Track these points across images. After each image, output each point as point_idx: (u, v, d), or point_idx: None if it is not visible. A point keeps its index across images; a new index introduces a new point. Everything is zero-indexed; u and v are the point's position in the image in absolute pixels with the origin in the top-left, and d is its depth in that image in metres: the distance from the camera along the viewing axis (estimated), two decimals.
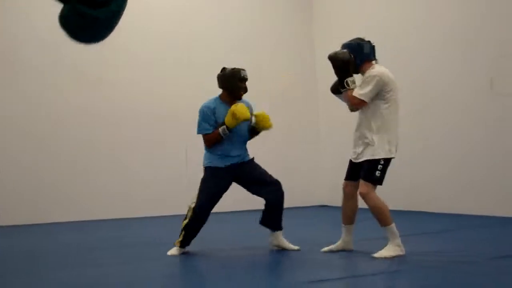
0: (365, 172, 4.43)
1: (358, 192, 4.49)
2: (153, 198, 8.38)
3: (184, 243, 4.79)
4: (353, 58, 4.45)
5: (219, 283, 3.83)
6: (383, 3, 8.55)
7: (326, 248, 4.74)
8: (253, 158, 5.00)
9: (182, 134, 8.15)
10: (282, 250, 4.83)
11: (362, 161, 4.46)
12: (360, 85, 4.43)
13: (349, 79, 4.42)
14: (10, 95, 7.80)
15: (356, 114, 4.68)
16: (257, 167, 4.95)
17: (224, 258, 4.61)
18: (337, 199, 9.18)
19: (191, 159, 8.17)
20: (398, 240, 4.35)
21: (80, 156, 8.06)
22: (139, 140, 8.41)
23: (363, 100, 4.39)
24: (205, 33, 8.95)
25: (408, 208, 7.59)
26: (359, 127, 4.53)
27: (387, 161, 4.42)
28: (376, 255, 4.32)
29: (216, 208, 4.82)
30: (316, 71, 9.66)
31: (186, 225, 4.75)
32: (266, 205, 4.85)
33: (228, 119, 4.68)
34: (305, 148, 9.52)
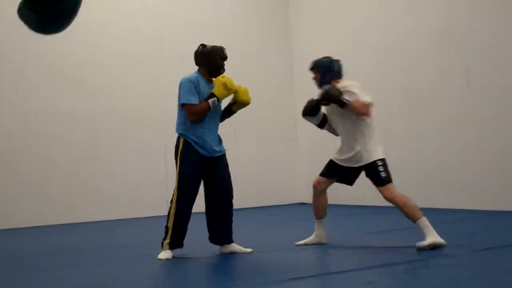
0: (373, 178, 4.56)
1: (383, 198, 4.53)
2: (142, 199, 8.38)
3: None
4: (335, 86, 4.53)
5: (196, 284, 3.85)
6: (362, 2, 8.56)
7: (300, 242, 4.91)
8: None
9: (162, 134, 8.15)
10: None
11: (360, 168, 4.59)
12: (352, 96, 4.48)
13: (344, 96, 4.48)
14: None
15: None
16: (227, 166, 4.71)
17: (201, 259, 4.57)
18: None
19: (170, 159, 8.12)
20: (434, 232, 4.34)
21: (68, 159, 8.03)
22: (126, 141, 8.40)
23: (371, 103, 4.48)
24: (183, 32, 8.95)
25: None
26: (347, 134, 4.62)
27: (384, 160, 4.56)
28: (419, 245, 4.30)
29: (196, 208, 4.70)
30: (294, 70, 9.72)
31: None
32: (214, 215, 4.69)
33: (218, 90, 4.42)
34: (282, 146, 9.58)
